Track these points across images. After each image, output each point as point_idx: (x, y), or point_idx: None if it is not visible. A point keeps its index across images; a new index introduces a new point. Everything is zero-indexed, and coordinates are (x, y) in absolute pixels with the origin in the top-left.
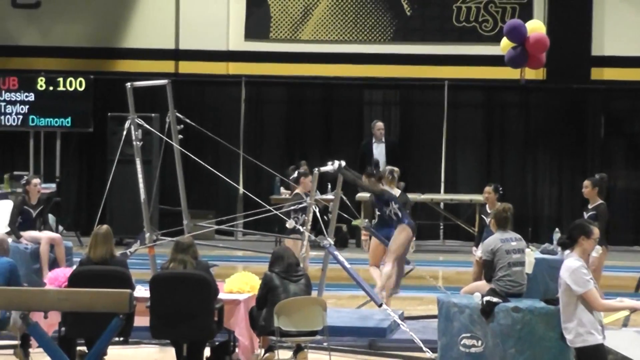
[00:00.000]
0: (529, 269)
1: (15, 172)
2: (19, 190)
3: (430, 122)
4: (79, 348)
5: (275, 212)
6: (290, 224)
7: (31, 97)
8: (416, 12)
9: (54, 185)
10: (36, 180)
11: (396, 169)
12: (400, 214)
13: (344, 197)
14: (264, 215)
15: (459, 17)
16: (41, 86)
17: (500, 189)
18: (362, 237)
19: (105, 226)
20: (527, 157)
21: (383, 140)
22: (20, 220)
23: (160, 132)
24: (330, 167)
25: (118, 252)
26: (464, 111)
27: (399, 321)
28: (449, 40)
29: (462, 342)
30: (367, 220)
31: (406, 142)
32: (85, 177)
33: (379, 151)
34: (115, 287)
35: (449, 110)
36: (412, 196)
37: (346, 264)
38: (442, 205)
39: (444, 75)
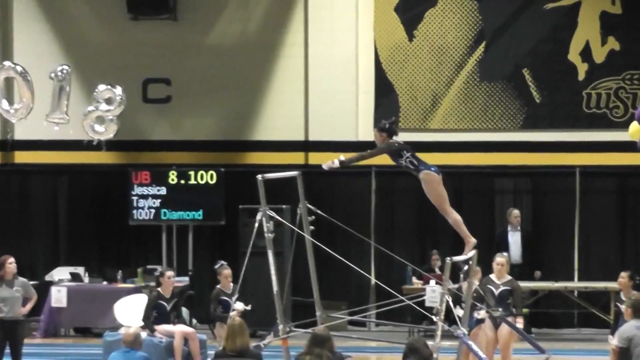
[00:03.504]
0: None
1: (149, 266)
2: (152, 283)
3: (562, 210)
4: None
5: (407, 302)
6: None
7: (163, 190)
8: (545, 99)
9: (187, 279)
10: (170, 273)
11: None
12: (416, 162)
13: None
14: (396, 306)
15: (589, 104)
16: (173, 180)
17: (638, 278)
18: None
19: (239, 318)
20: None
21: (519, 228)
22: (155, 314)
23: (292, 224)
24: (329, 166)
25: (252, 344)
26: (596, 198)
27: None
28: (579, 127)
29: None
30: (500, 309)
31: (539, 230)
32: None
33: (514, 239)
34: None
35: (581, 197)
36: (545, 284)
37: (480, 353)
38: (576, 293)
39: (575, 162)
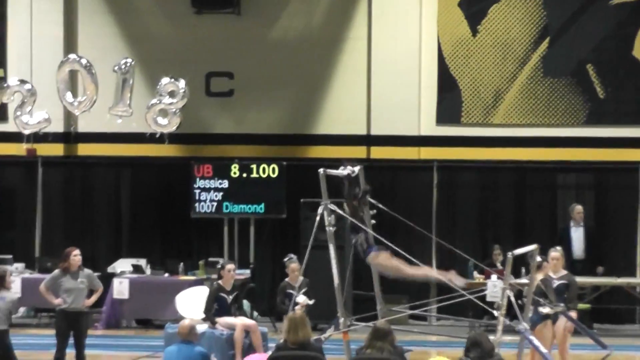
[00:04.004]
0: None
1: (210, 259)
2: (214, 276)
3: (625, 205)
4: None
5: (469, 296)
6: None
7: (225, 184)
8: (609, 95)
9: (248, 271)
10: (231, 266)
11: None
12: (365, 245)
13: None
14: (458, 300)
15: None
16: (235, 173)
17: None
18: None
19: (300, 312)
20: None
21: (582, 224)
22: (216, 307)
23: None
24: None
25: (313, 338)
26: None
27: None
28: None
29: None
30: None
31: (601, 226)
32: (279, 263)
33: (577, 235)
34: None
35: None
36: (607, 280)
37: (542, 348)
38: (638, 289)
39: (638, 158)
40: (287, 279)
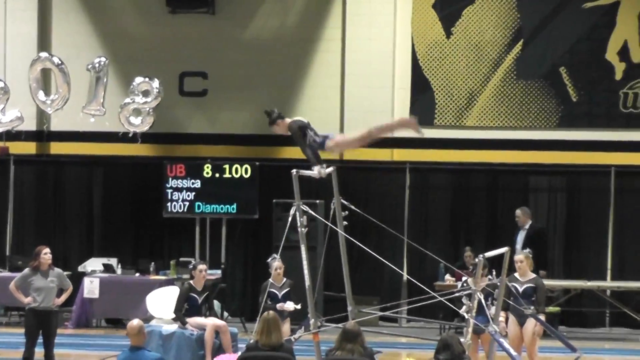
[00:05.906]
0: None
1: (182, 259)
2: (185, 276)
3: (596, 209)
4: None
5: (439, 298)
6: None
7: (197, 184)
8: (582, 98)
9: (219, 272)
10: (202, 266)
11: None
12: (318, 138)
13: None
14: (428, 302)
15: (626, 103)
16: (207, 173)
17: None
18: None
19: (272, 312)
20: None
21: (526, 227)
22: (187, 307)
23: (325, 219)
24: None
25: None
26: (631, 197)
27: None
28: (615, 127)
29: None
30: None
31: (572, 229)
32: (251, 264)
33: (520, 238)
34: None
35: (616, 196)
36: (578, 283)
37: (512, 351)
38: (608, 292)
39: (610, 161)
40: (270, 279)
